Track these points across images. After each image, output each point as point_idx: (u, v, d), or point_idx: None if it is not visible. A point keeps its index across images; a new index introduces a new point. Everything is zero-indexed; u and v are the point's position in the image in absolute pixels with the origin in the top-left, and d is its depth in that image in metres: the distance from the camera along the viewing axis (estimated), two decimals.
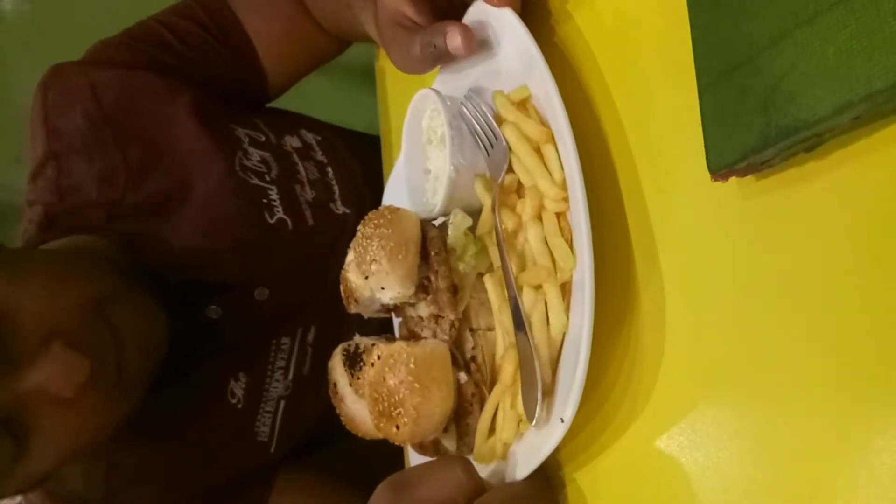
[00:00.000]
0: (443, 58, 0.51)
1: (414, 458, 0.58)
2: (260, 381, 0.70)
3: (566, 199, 0.46)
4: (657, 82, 0.44)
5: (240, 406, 0.69)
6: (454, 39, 0.49)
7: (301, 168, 0.76)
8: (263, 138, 0.76)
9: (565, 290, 0.46)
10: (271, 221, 0.71)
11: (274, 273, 0.71)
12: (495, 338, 0.51)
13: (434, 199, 0.57)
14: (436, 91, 0.55)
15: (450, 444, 0.51)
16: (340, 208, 0.76)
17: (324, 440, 0.73)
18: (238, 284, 0.70)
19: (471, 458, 0.49)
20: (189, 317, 0.68)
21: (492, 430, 0.49)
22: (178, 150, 0.71)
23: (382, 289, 0.52)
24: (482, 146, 0.52)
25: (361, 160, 0.83)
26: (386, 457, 0.61)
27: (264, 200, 0.71)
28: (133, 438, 0.66)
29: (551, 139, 0.47)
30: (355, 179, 0.80)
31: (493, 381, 0.50)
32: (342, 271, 0.56)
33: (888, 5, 0.29)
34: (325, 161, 0.79)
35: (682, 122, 0.40)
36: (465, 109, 0.53)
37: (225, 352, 0.69)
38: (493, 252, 0.51)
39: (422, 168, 0.59)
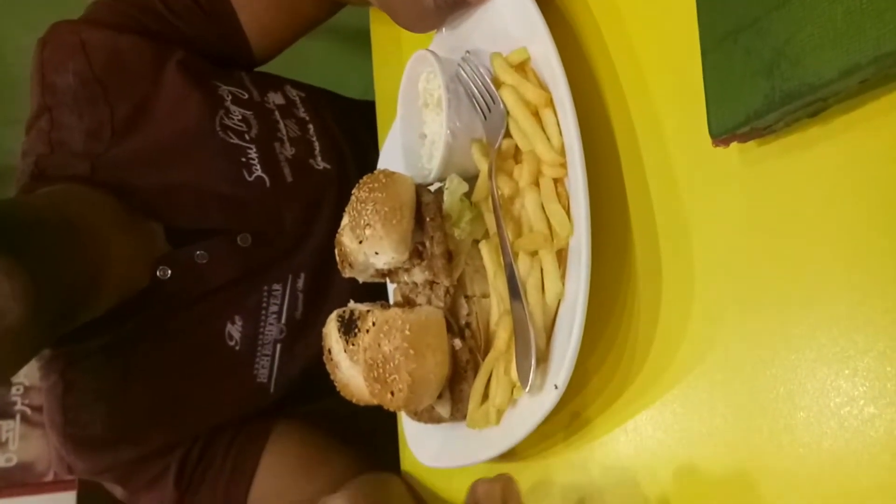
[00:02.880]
0: (457, 6, 0.51)
1: (408, 421, 0.59)
2: (255, 325, 0.74)
3: (564, 165, 0.45)
4: (659, 44, 0.43)
5: (238, 348, 0.73)
6: None
7: (282, 126, 0.78)
8: (246, 95, 0.78)
9: (561, 256, 0.45)
10: (249, 179, 0.73)
11: (254, 223, 0.74)
12: (490, 304, 0.51)
13: (430, 163, 0.56)
14: (432, 52, 0.54)
15: (444, 410, 0.51)
16: (321, 164, 0.78)
17: (320, 391, 0.75)
18: (220, 230, 0.73)
19: (464, 423, 0.50)
20: (179, 263, 0.71)
21: (485, 396, 0.49)
22: (162, 110, 0.74)
23: (376, 254, 0.52)
24: (479, 110, 0.51)
25: (345, 121, 0.85)
26: (379, 415, 0.62)
27: (243, 159, 0.74)
28: (142, 380, 0.71)
29: (550, 103, 0.46)
30: (336, 137, 0.82)
31: (487, 348, 0.50)
32: (337, 235, 0.56)
33: None
34: (307, 118, 0.81)
35: (684, 85, 0.40)
36: (462, 72, 0.52)
37: (218, 295, 0.73)
38: (489, 218, 0.50)
39: (418, 132, 0.58)
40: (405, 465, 0.66)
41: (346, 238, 0.54)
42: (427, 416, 0.52)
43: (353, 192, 0.54)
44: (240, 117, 0.75)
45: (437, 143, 0.55)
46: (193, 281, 0.71)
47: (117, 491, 0.72)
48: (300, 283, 0.75)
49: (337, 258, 0.55)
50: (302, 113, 0.80)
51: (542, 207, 0.46)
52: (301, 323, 0.75)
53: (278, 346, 0.74)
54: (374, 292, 0.64)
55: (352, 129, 0.83)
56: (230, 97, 0.76)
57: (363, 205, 0.52)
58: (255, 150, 0.74)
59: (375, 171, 0.54)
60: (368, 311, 0.52)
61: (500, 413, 0.48)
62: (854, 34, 0.30)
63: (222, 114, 0.74)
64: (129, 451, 0.70)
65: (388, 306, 0.54)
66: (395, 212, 0.51)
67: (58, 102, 0.73)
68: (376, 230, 0.51)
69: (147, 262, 0.70)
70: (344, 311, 0.54)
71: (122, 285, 0.68)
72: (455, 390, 0.51)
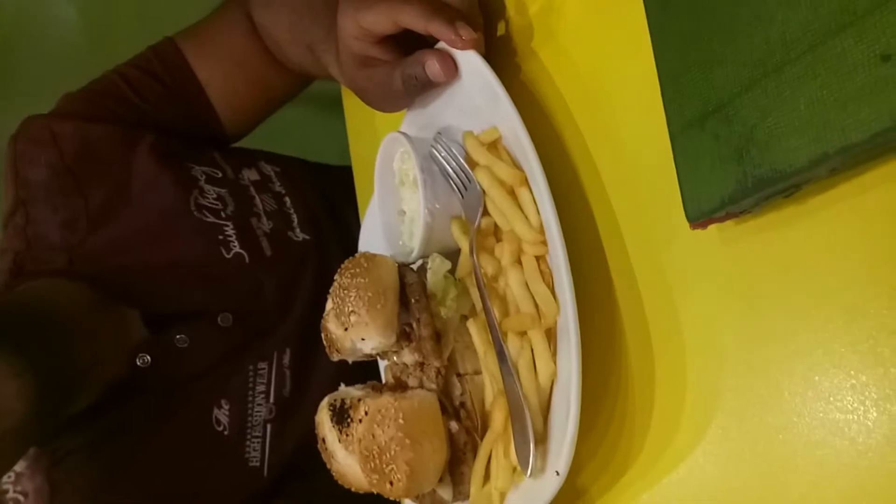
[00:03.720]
0: (425, 87, 0.52)
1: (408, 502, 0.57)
2: (243, 407, 0.72)
3: (545, 243, 0.45)
4: (630, 122, 0.43)
5: (227, 433, 0.71)
6: (433, 66, 0.49)
7: (258, 201, 0.79)
8: (220, 174, 0.78)
9: (550, 334, 0.45)
10: (228, 256, 0.73)
11: (235, 301, 0.73)
12: (483, 381, 0.50)
13: (411, 242, 0.56)
14: (404, 134, 0.54)
15: (446, 493, 0.50)
16: (300, 235, 0.78)
17: (315, 467, 0.74)
18: (200, 312, 0.72)
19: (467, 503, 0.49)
20: (159, 349, 0.70)
21: (486, 477, 0.49)
22: (136, 195, 0.74)
23: (363, 339, 0.51)
24: (456, 189, 0.51)
25: (323, 191, 0.85)
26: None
27: (220, 237, 0.73)
28: (128, 474, 0.68)
29: (525, 182, 0.47)
30: (314, 207, 0.82)
31: (484, 426, 0.50)
32: (322, 320, 0.55)
33: (856, 55, 0.29)
34: (283, 192, 0.81)
35: (658, 162, 0.40)
36: (435, 152, 0.52)
37: (203, 380, 0.71)
38: (475, 293, 0.50)
39: (396, 210, 0.58)
40: None
41: (332, 324, 0.53)
42: (430, 500, 0.51)
43: (335, 277, 0.53)
44: (214, 196, 0.75)
45: (416, 222, 0.54)
46: (175, 366, 0.70)
47: None
48: (286, 360, 0.74)
49: (324, 343, 0.55)
50: (278, 187, 0.80)
51: (527, 286, 0.46)
52: (290, 400, 0.73)
53: (269, 426, 0.72)
54: (363, 365, 0.64)
55: (330, 197, 0.84)
56: (204, 177, 0.76)
57: (346, 291, 0.52)
58: (231, 226, 0.74)
59: (356, 256, 0.53)
60: (360, 399, 0.51)
61: (502, 496, 0.47)
62: (819, 123, 0.30)
63: (196, 193, 0.75)
64: None
65: (380, 387, 0.54)
66: (378, 296, 0.51)
67: (32, 197, 0.73)
68: (361, 316, 0.50)
69: (126, 351, 0.69)
70: (335, 400, 0.53)
71: (104, 376, 0.67)
72: (455, 473, 0.50)
